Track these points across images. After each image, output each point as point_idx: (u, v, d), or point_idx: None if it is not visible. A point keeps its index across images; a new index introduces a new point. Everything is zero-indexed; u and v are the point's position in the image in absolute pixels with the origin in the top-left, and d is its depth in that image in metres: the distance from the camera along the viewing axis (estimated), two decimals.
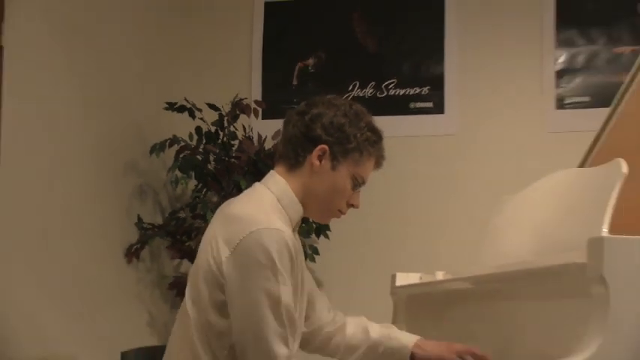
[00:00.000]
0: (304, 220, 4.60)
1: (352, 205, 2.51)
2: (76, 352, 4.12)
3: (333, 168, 2.41)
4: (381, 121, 5.15)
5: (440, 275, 2.94)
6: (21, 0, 3.80)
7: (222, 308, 2.26)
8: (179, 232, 4.77)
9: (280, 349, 2.22)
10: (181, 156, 4.76)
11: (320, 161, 2.39)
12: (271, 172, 2.48)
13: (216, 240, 2.28)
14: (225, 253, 2.24)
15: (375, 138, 2.49)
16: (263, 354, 2.22)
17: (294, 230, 2.41)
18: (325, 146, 2.39)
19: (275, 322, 2.22)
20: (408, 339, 2.60)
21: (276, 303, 2.21)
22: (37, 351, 3.86)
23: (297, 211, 2.43)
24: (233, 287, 2.23)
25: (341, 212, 2.52)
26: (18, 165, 3.76)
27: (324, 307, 2.72)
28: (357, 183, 2.47)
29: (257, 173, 2.43)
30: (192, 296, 2.34)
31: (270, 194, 2.39)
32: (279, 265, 2.20)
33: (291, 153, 2.43)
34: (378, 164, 2.53)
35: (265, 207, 2.34)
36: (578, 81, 5.01)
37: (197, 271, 2.34)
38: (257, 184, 2.48)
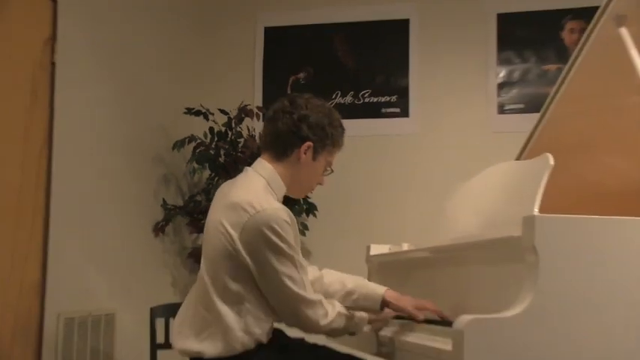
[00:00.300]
0: (296, 202, 4.65)
1: (320, 183, 2.58)
2: (115, 307, 4.13)
3: (314, 159, 2.47)
4: (358, 123, 5.22)
5: (405, 246, 2.95)
6: (70, 24, 3.80)
7: (234, 274, 2.29)
8: (196, 212, 4.78)
9: (302, 285, 2.31)
10: (198, 151, 4.76)
11: (305, 154, 2.44)
12: (259, 159, 2.50)
13: (223, 225, 2.30)
14: (235, 234, 2.26)
15: (342, 131, 2.56)
16: (298, 305, 2.31)
17: None
18: (310, 143, 2.43)
19: (290, 274, 2.29)
20: (379, 287, 2.56)
21: (286, 253, 2.27)
22: (84, 306, 3.86)
23: (282, 191, 2.47)
24: (249, 261, 2.27)
25: (312, 190, 2.62)
26: (68, 159, 3.75)
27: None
28: (327, 168, 2.55)
29: None
30: (208, 269, 2.36)
31: (261, 179, 2.42)
32: (283, 234, 2.25)
33: (280, 146, 2.45)
34: (340, 150, 2.60)
35: (259, 191, 2.36)
36: (515, 91, 5.03)
37: (212, 250, 2.35)
38: (249, 170, 2.48)
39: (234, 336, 2.27)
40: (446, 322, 2.19)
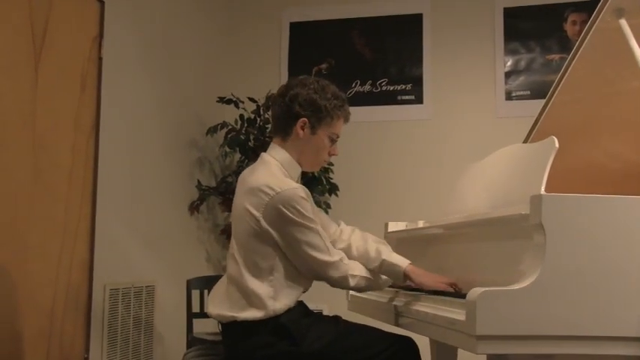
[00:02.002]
0: (319, 182, 4.64)
1: (333, 154, 2.52)
2: (155, 279, 4.16)
3: (313, 133, 2.42)
4: (376, 110, 5.20)
5: (420, 223, 2.93)
6: (116, 21, 3.85)
7: (264, 253, 2.32)
8: (228, 192, 4.78)
9: (329, 249, 2.35)
10: (229, 136, 4.77)
11: (303, 130, 2.41)
12: (271, 144, 2.50)
13: (247, 209, 2.32)
14: (258, 215, 2.29)
15: (340, 102, 2.46)
16: (324, 268, 2.34)
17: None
18: (305, 119, 2.40)
19: (313, 242, 2.31)
20: (401, 261, 2.41)
21: (308, 226, 2.30)
22: (127, 277, 3.90)
23: (297, 170, 2.47)
24: (276, 233, 2.30)
25: (326, 161, 2.54)
26: (113, 144, 3.79)
27: (333, 227, 2.71)
28: (333, 139, 2.48)
29: None
30: (239, 249, 2.37)
31: (275, 162, 2.42)
32: (302, 210, 2.28)
33: (281, 128, 2.45)
34: (346, 120, 2.52)
35: (275, 173, 2.38)
36: (521, 79, 4.98)
37: (240, 233, 2.38)
38: (264, 155, 2.48)
39: (265, 304, 2.30)
40: (459, 294, 2.17)
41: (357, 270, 2.41)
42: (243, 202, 2.35)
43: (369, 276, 2.42)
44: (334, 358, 2.30)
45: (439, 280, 2.37)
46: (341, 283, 2.38)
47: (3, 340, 3.06)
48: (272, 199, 2.26)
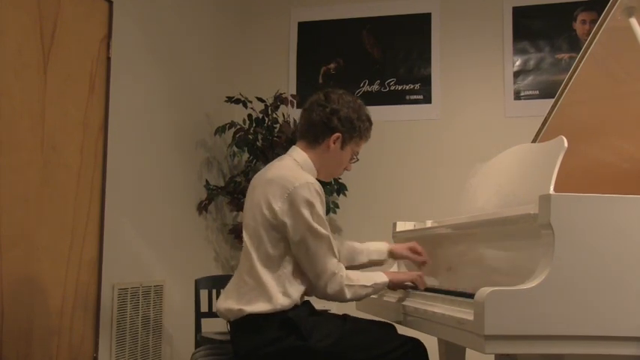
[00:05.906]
0: (328, 182, 4.64)
1: (347, 169, 2.65)
2: (163, 278, 4.17)
3: (342, 148, 2.55)
4: (384, 110, 5.20)
5: (429, 223, 2.92)
6: (123, 23, 3.86)
7: (276, 243, 2.36)
8: (236, 192, 4.80)
9: (332, 260, 2.37)
10: (237, 136, 4.77)
11: (334, 144, 2.53)
12: (294, 146, 2.60)
13: (266, 198, 2.37)
14: (277, 204, 2.35)
15: (369, 125, 2.62)
16: (320, 267, 2.37)
17: None
18: (339, 134, 2.52)
19: (323, 243, 2.35)
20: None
21: (319, 233, 2.35)
22: (135, 277, 3.91)
23: (314, 175, 2.52)
24: (289, 228, 2.34)
25: (340, 174, 2.73)
26: (122, 144, 3.80)
27: None
28: (354, 156, 2.62)
29: None
30: (252, 240, 2.41)
31: (294, 162, 2.51)
32: (316, 207, 2.35)
33: (312, 135, 2.54)
34: (367, 141, 2.67)
35: (294, 169, 2.46)
36: (530, 79, 4.97)
37: (254, 223, 2.41)
38: (284, 156, 2.58)
39: (274, 297, 2.33)
40: (468, 294, 2.17)
41: (353, 280, 2.41)
42: (262, 193, 2.41)
43: (366, 284, 2.44)
44: (343, 355, 2.31)
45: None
46: (338, 294, 2.39)
47: (13, 339, 3.08)
48: (291, 192, 2.34)
